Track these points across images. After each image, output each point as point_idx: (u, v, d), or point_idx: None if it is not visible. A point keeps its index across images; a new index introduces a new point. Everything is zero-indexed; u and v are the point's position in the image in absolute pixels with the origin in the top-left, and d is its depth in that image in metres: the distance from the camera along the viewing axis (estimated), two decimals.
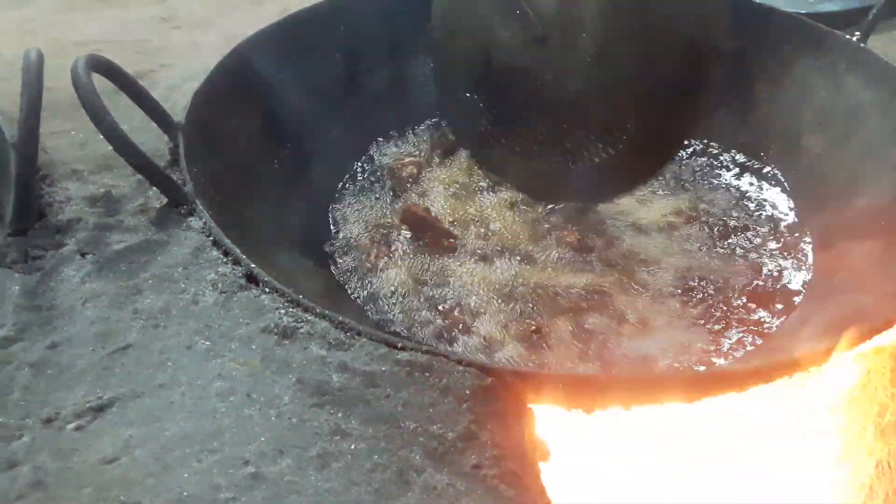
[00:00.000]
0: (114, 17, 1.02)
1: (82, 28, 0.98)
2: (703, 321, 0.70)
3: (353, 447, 0.46)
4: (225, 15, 1.03)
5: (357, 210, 0.82)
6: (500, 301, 0.71)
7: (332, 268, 0.75)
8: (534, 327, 0.69)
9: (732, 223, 0.80)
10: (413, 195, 0.83)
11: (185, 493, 0.43)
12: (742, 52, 0.87)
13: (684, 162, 0.88)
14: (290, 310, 0.53)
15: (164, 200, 0.62)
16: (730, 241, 0.78)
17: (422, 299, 0.71)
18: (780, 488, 0.75)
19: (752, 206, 0.82)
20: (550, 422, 0.54)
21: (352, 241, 0.77)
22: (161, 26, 0.99)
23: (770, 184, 0.85)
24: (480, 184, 0.85)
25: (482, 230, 0.79)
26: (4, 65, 0.87)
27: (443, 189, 0.84)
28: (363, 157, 0.88)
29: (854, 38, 0.82)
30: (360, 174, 0.86)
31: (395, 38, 0.92)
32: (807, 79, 0.84)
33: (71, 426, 0.47)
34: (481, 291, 0.72)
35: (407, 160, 0.87)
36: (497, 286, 0.72)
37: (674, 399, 0.52)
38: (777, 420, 0.78)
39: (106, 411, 0.48)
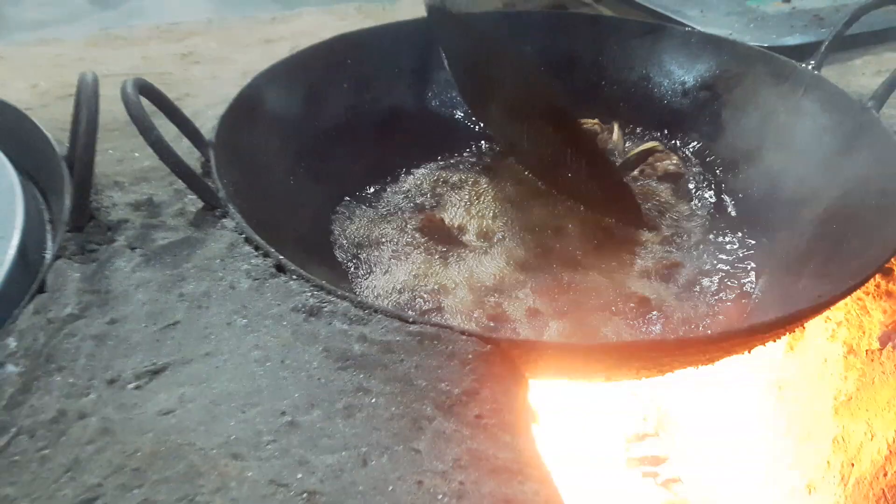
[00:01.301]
0: (137, 53, 1.12)
1: (109, 63, 1.07)
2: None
3: (373, 401, 0.54)
4: (240, 52, 1.12)
5: (365, 222, 0.90)
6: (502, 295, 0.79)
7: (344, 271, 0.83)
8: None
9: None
10: (426, 207, 0.92)
11: (233, 437, 0.51)
12: (712, 82, 0.98)
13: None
14: (315, 293, 0.61)
15: (200, 205, 0.71)
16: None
17: (428, 297, 0.79)
18: (748, 469, 0.83)
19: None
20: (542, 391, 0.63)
21: (361, 249, 0.86)
22: (182, 62, 1.08)
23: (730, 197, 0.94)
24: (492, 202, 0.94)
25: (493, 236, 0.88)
26: (42, 94, 0.96)
27: (458, 202, 0.93)
28: (371, 176, 0.97)
29: (810, 67, 0.92)
30: (368, 190, 0.95)
31: (398, 72, 1.01)
32: (769, 104, 0.93)
33: (131, 386, 0.54)
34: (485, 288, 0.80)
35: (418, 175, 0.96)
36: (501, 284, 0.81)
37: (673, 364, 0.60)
38: (743, 407, 0.86)
39: (160, 374, 0.55)
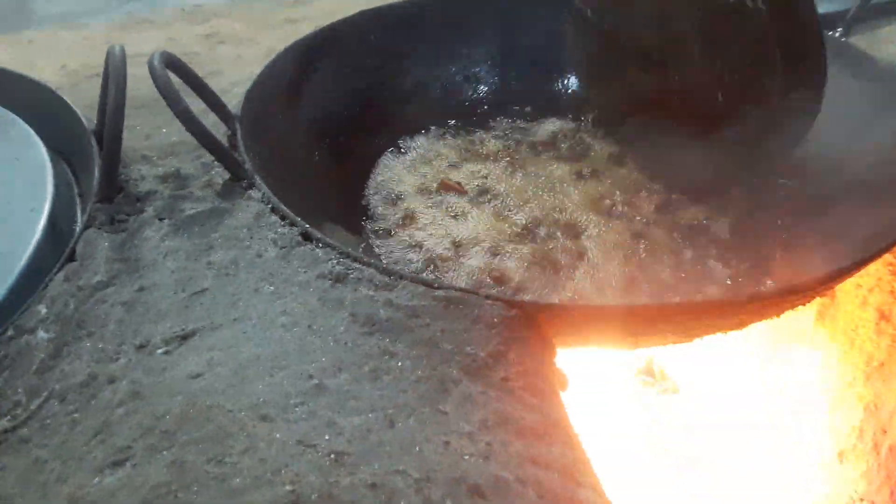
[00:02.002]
0: (162, 35, 1.13)
1: (135, 44, 1.07)
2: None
3: (399, 364, 0.54)
4: (264, 32, 1.13)
5: (387, 196, 0.90)
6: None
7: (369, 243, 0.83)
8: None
9: None
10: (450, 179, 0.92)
11: (262, 399, 0.51)
12: None
13: None
14: (342, 260, 0.61)
15: (227, 177, 0.71)
16: None
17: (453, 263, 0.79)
18: (778, 436, 0.83)
19: None
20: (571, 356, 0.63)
21: (383, 222, 0.86)
22: (207, 42, 1.09)
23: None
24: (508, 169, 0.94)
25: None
26: (70, 74, 0.97)
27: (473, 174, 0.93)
28: (393, 150, 0.97)
29: (837, 35, 0.91)
30: (391, 165, 0.95)
31: (423, 46, 1.01)
32: None
33: (160, 351, 0.55)
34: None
35: (439, 151, 0.96)
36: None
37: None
38: (772, 374, 0.86)
39: (189, 339, 0.56)
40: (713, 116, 0.84)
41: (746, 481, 0.82)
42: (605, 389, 0.85)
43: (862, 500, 0.74)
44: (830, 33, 0.90)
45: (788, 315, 0.75)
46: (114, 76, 0.63)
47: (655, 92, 0.91)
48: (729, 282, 0.75)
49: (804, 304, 0.63)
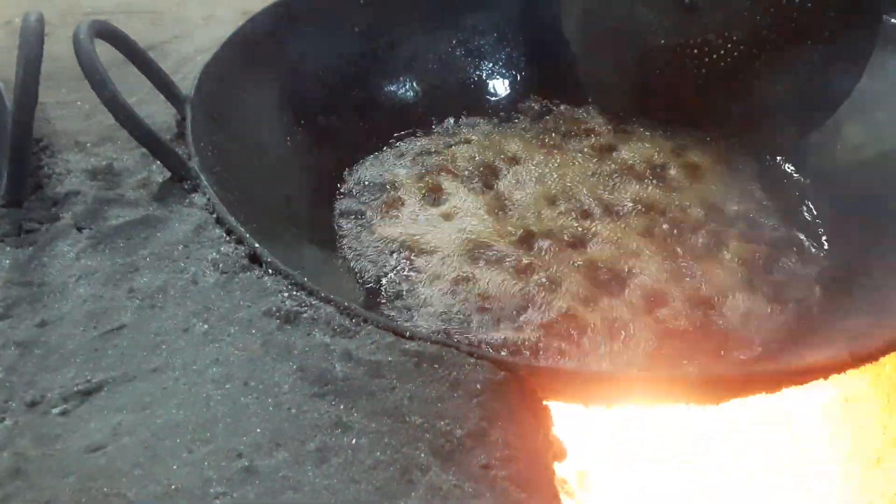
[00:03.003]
0: (114, 11, 0.99)
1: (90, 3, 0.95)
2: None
3: (354, 442, 0.43)
4: None
5: (370, 191, 0.78)
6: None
7: (340, 249, 0.72)
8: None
9: None
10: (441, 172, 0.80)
11: (174, 486, 0.40)
12: None
13: None
14: (294, 293, 0.50)
15: (167, 175, 0.59)
16: None
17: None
18: (792, 463, 0.73)
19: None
20: (568, 418, 0.51)
21: (362, 221, 0.74)
22: (168, 2, 0.96)
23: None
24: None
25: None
26: (14, 32, 0.85)
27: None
28: (381, 137, 0.84)
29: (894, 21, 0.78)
30: (376, 152, 0.83)
31: (419, 14, 0.88)
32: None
33: (56, 410, 0.44)
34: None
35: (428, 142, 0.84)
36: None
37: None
38: (804, 423, 0.75)
39: (94, 395, 0.45)
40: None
41: None
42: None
43: None
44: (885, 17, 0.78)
45: None
46: (24, 50, 0.51)
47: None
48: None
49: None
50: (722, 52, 0.84)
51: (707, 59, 0.84)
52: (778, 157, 0.83)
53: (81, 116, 0.69)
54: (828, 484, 0.71)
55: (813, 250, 0.73)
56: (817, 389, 0.69)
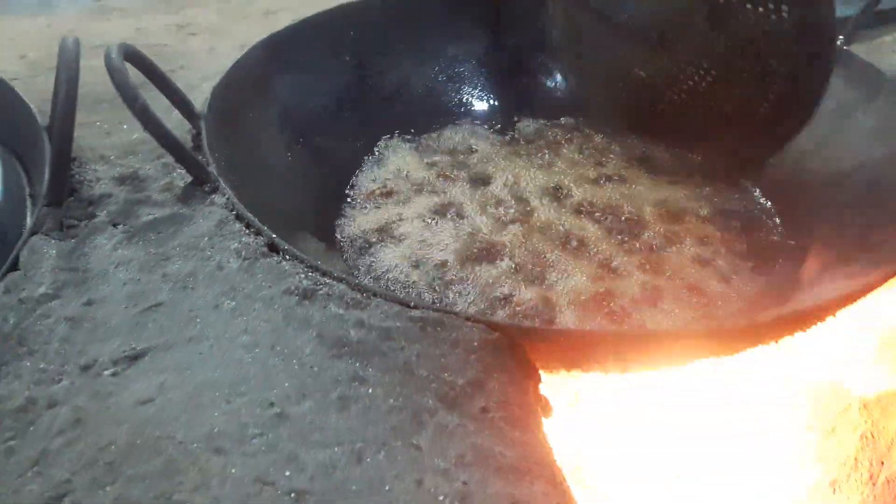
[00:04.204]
0: (131, 24, 1.07)
1: (102, 34, 1.02)
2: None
3: (370, 392, 0.49)
4: (239, 24, 1.08)
5: (366, 201, 0.85)
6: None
7: (339, 243, 0.79)
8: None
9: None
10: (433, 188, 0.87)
11: (216, 430, 0.46)
12: None
13: None
14: (310, 274, 0.57)
15: (188, 180, 0.66)
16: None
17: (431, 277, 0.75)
18: (769, 464, 0.79)
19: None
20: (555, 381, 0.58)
21: (361, 230, 0.81)
22: (178, 33, 1.04)
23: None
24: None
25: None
26: (31, 65, 0.92)
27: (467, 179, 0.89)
28: (373, 154, 0.92)
29: (839, 43, 0.87)
30: (369, 169, 0.90)
31: (403, 44, 0.97)
32: None
33: (107, 372, 0.50)
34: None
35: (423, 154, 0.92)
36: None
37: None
38: (766, 400, 0.82)
39: (139, 360, 0.51)
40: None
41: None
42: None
43: None
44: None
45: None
46: (65, 70, 0.58)
47: (649, 80, 0.90)
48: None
49: (804, 331, 0.59)
50: (692, 81, 0.91)
51: (679, 86, 0.92)
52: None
53: (102, 134, 0.76)
54: (788, 453, 0.78)
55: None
56: (774, 367, 0.77)
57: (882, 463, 0.69)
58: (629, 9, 0.91)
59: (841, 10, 0.94)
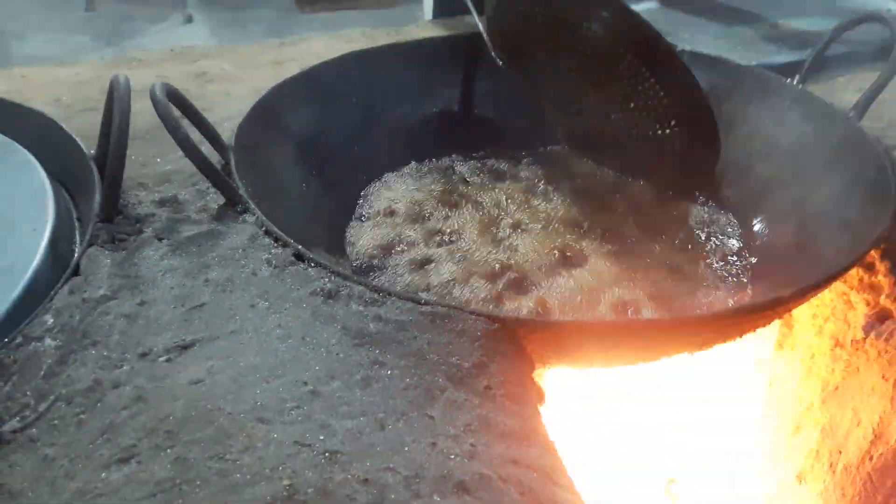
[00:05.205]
0: (153, 72, 1.16)
1: None
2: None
3: (389, 373, 0.57)
4: (252, 72, 1.17)
5: (372, 228, 0.94)
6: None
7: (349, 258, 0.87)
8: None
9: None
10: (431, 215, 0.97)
11: (259, 403, 0.54)
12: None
13: None
14: (333, 278, 0.65)
15: (221, 202, 0.75)
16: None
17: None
18: (742, 463, 0.87)
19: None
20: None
21: (367, 247, 0.90)
22: (196, 80, 1.13)
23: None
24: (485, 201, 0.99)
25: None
26: (66, 107, 1.01)
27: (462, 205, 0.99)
28: (378, 181, 1.01)
29: (796, 83, 0.98)
30: (374, 195, 1.00)
31: (403, 87, 1.07)
32: (757, 117, 0.98)
33: (162, 359, 0.58)
34: None
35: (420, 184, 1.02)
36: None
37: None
38: (737, 405, 0.90)
39: (189, 349, 0.59)
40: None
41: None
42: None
43: None
44: (790, 80, 0.97)
45: (752, 344, 0.80)
46: (118, 102, 0.67)
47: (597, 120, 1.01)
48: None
49: (765, 325, 0.68)
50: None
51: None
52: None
53: (138, 166, 0.84)
54: (760, 452, 0.86)
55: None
56: (744, 372, 0.86)
57: (840, 452, 0.77)
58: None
59: (797, 56, 1.06)
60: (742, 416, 0.89)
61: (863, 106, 0.90)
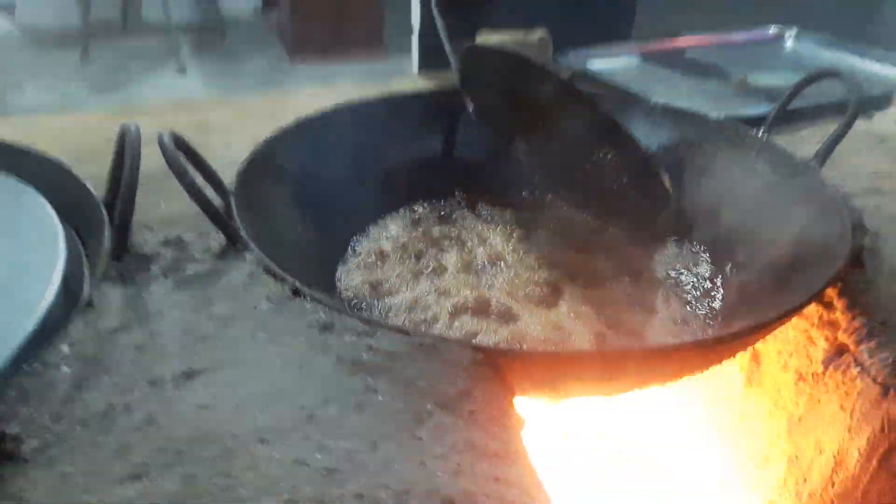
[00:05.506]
0: (155, 122, 1.20)
1: None
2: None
3: (381, 399, 0.62)
4: (249, 122, 1.23)
5: (361, 268, 1.00)
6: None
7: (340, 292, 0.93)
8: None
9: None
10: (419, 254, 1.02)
11: (261, 426, 0.59)
12: (673, 148, 1.10)
13: None
14: (327, 311, 0.70)
15: (223, 242, 0.80)
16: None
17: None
18: (714, 496, 0.92)
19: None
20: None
21: (357, 284, 0.95)
22: (197, 129, 1.18)
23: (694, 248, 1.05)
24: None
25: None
26: (71, 153, 1.06)
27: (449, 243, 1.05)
28: (370, 224, 1.07)
29: (761, 134, 1.05)
30: (365, 237, 1.05)
31: (393, 136, 1.13)
32: (726, 166, 1.05)
33: (170, 385, 0.62)
34: None
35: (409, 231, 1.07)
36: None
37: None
38: (708, 440, 0.95)
39: (195, 377, 0.63)
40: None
41: None
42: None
43: None
44: (755, 132, 1.04)
45: (721, 380, 0.86)
46: (129, 148, 0.72)
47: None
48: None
49: (730, 357, 0.73)
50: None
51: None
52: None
53: (141, 211, 0.88)
54: (732, 485, 0.91)
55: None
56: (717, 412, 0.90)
57: (805, 480, 0.82)
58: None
59: (763, 109, 1.13)
60: (713, 449, 0.94)
61: (823, 155, 0.97)
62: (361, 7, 4.36)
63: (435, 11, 1.19)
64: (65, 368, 0.62)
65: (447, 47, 1.15)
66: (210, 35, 5.12)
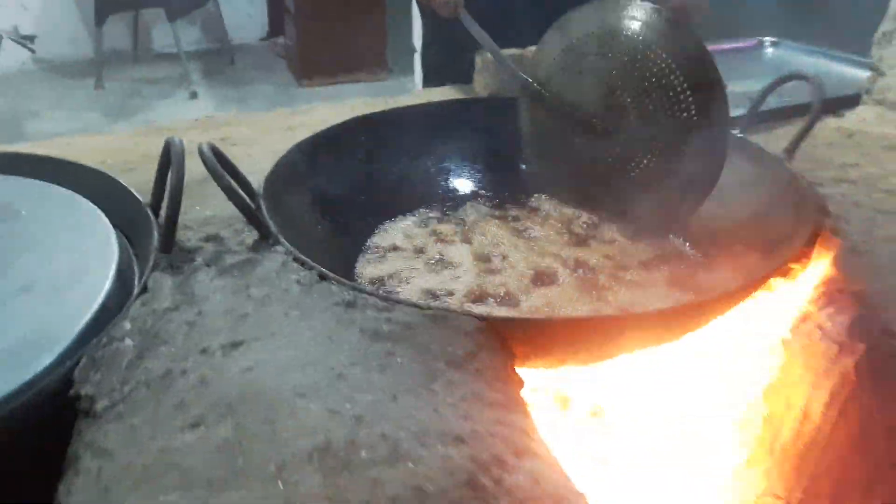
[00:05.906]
0: (183, 138, 1.33)
1: (159, 147, 1.28)
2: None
3: (399, 361, 0.72)
4: (268, 136, 1.34)
5: (379, 256, 1.10)
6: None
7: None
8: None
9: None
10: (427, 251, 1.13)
11: (297, 384, 0.69)
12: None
13: None
14: (351, 292, 0.81)
15: (255, 237, 0.91)
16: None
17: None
18: (701, 456, 1.01)
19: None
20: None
21: (375, 276, 1.06)
22: (221, 144, 1.27)
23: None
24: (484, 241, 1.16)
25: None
26: (111, 167, 1.17)
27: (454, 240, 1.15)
28: (383, 224, 1.18)
29: (737, 133, 1.15)
30: (380, 235, 1.16)
31: (402, 145, 1.25)
32: None
33: (218, 353, 0.72)
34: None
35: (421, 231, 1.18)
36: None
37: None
38: (696, 405, 1.04)
39: (239, 346, 0.73)
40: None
41: (670, 487, 0.99)
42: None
43: (765, 493, 0.92)
44: (734, 132, 1.15)
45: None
46: (175, 157, 0.83)
47: (593, 160, 1.17)
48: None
49: (707, 323, 0.83)
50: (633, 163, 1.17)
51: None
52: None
53: (182, 213, 1.00)
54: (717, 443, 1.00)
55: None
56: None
57: (776, 436, 0.91)
58: (576, 107, 1.19)
59: (739, 111, 1.23)
60: (701, 414, 1.04)
61: (790, 149, 1.07)
62: (366, 30, 4.51)
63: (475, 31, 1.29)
64: (128, 341, 0.73)
65: (494, 54, 1.27)
66: (218, 61, 5.30)
